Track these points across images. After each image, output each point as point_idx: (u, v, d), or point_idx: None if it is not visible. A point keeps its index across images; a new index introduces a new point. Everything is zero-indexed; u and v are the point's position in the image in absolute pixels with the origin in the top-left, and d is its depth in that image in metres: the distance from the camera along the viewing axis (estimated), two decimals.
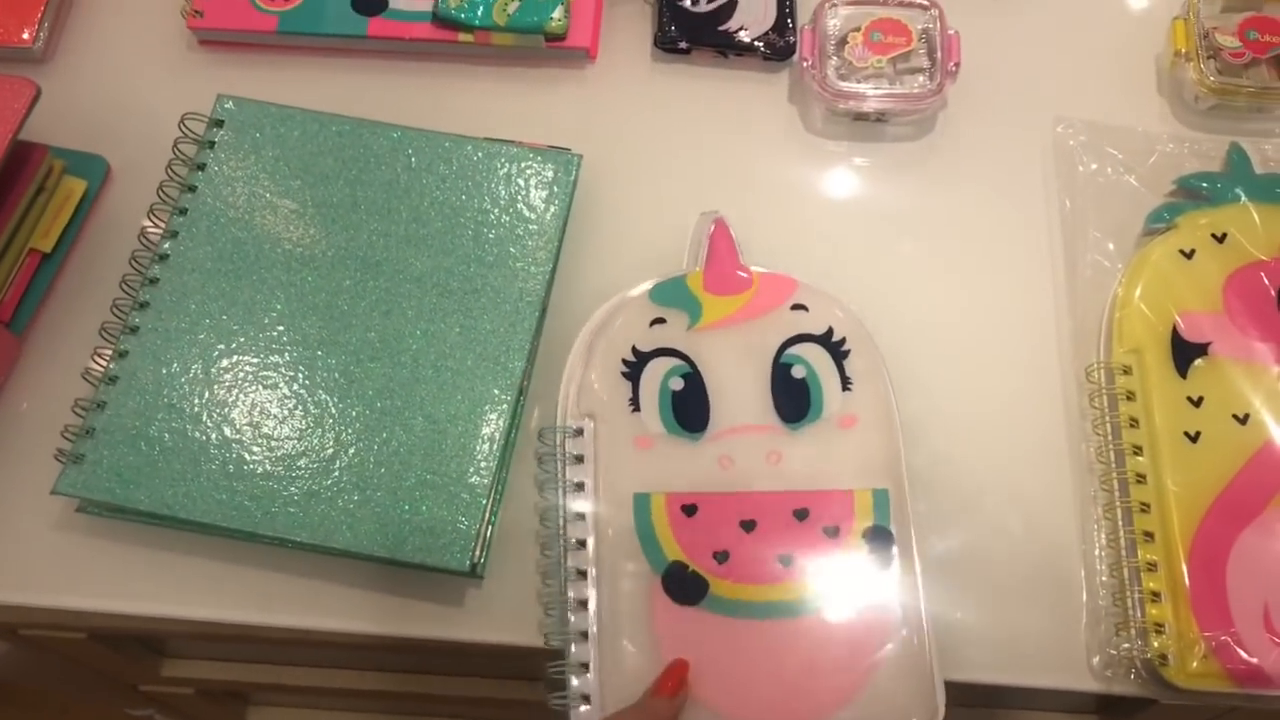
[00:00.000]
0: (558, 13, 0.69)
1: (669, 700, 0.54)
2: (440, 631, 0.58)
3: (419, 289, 0.61)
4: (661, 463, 0.59)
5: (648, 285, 0.64)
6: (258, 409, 0.58)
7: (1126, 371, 0.63)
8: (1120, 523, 0.60)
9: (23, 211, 0.64)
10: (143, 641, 0.78)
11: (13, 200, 0.64)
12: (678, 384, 0.61)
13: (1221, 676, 0.56)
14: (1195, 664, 0.56)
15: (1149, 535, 0.59)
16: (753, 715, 0.55)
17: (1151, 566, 0.58)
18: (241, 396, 0.59)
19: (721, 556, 0.58)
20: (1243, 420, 0.61)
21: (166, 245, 0.63)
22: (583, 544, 0.58)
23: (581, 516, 0.58)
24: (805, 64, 0.70)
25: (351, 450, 0.58)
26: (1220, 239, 0.66)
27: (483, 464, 0.57)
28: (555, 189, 0.64)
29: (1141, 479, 0.60)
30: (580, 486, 0.59)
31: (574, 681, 0.55)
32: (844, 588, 0.57)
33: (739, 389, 0.61)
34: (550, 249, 0.63)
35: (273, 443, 0.58)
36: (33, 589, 0.59)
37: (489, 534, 0.58)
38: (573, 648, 0.56)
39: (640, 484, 0.59)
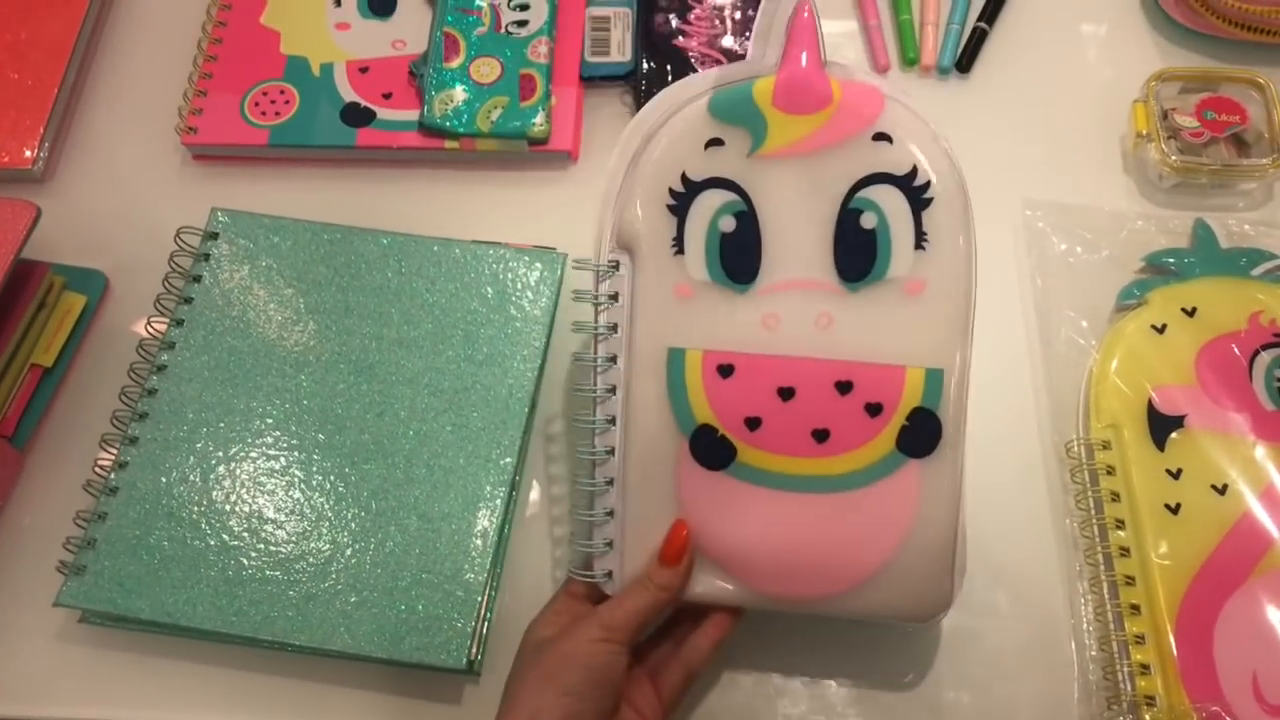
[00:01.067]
0: (539, 118, 0.72)
1: (672, 570, 0.53)
2: None
3: (411, 390, 0.63)
4: (701, 316, 0.54)
5: (708, 90, 0.55)
6: (255, 514, 0.60)
7: (1105, 446, 0.65)
8: (1106, 596, 0.61)
9: (24, 328, 0.66)
10: None
11: (15, 318, 0.66)
12: (729, 224, 0.54)
13: None
14: None
15: (1135, 608, 0.60)
16: (768, 584, 0.55)
17: (1139, 639, 0.59)
18: (239, 503, 0.60)
19: (754, 423, 0.54)
20: (1221, 490, 0.62)
21: (164, 356, 0.64)
22: (613, 390, 0.55)
23: (613, 360, 0.55)
24: None
25: (348, 552, 0.59)
26: (1190, 313, 0.68)
27: (477, 561, 0.58)
28: (542, 287, 0.66)
29: (1125, 552, 0.61)
30: (614, 328, 0.55)
31: (600, 530, 0.55)
32: (876, 470, 0.54)
33: (797, 236, 0.54)
34: (538, 345, 0.64)
35: (271, 547, 0.59)
36: (36, 700, 0.59)
37: (485, 631, 0.59)
38: (597, 499, 0.55)
39: (676, 337, 0.54)
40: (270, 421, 0.62)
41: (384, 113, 0.74)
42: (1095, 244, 0.72)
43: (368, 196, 0.74)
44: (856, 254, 0.54)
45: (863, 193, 0.54)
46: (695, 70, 0.75)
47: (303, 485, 0.61)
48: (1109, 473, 0.64)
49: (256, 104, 0.74)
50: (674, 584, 0.53)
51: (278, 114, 0.74)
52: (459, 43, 0.74)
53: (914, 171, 0.54)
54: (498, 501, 0.60)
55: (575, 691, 0.50)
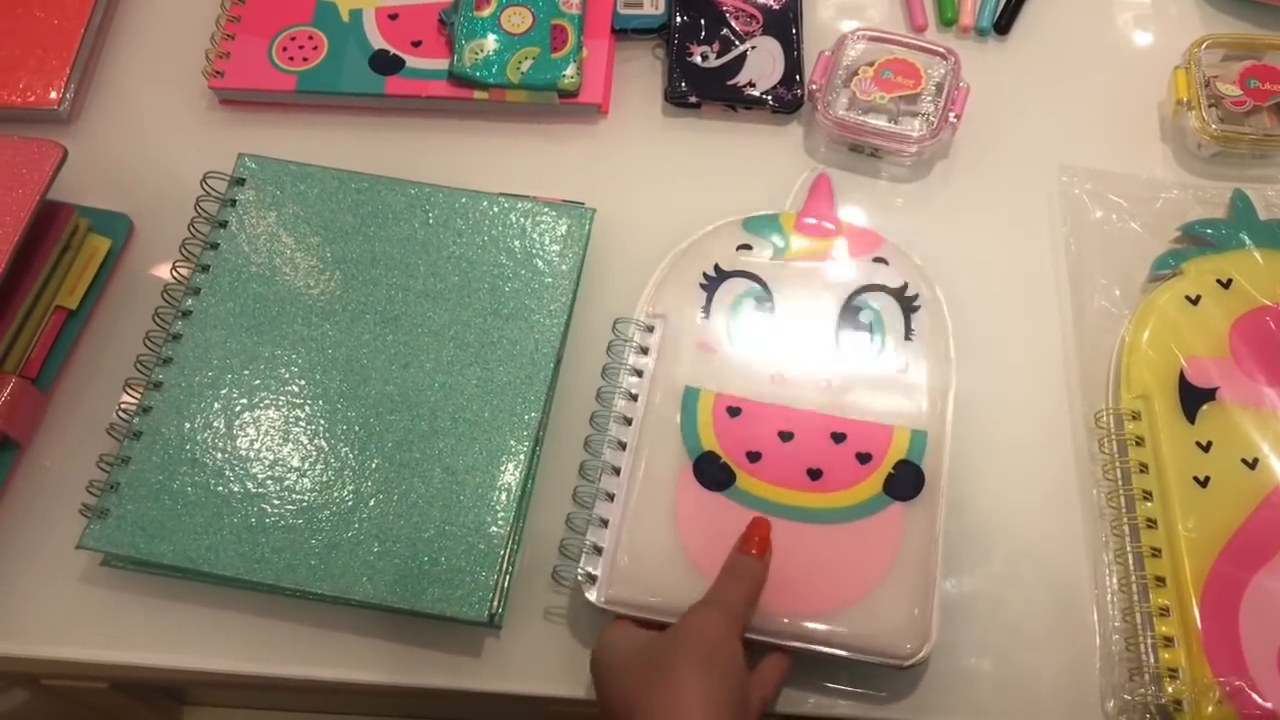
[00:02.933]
0: (570, 70, 0.71)
1: (758, 559, 0.55)
2: (459, 682, 0.58)
3: (437, 342, 0.63)
4: (718, 366, 0.63)
5: (742, 215, 0.68)
6: (279, 462, 0.59)
7: (1135, 417, 0.64)
8: (1132, 567, 0.60)
9: (49, 270, 0.66)
10: (164, 690, 0.78)
11: (40, 259, 0.65)
12: (750, 304, 0.65)
13: None
14: (1210, 709, 0.56)
15: (1160, 580, 0.59)
16: None
17: (1164, 611, 0.59)
18: (263, 450, 0.60)
19: (754, 456, 0.61)
20: (1252, 465, 0.62)
21: (189, 301, 0.64)
22: (628, 421, 0.61)
23: (633, 397, 0.62)
24: (813, 87, 0.71)
25: (371, 502, 0.59)
26: (1225, 284, 0.67)
27: (500, 515, 0.58)
28: (569, 242, 0.66)
29: (1152, 524, 0.61)
30: (639, 373, 0.63)
31: (594, 532, 0.58)
32: (863, 508, 0.60)
33: (806, 321, 0.65)
34: (565, 301, 0.64)
35: (294, 495, 0.59)
36: (58, 642, 0.60)
37: (506, 584, 0.59)
38: (597, 504, 0.59)
39: (694, 379, 0.63)
40: (295, 370, 0.62)
41: (413, 61, 0.73)
42: (1131, 212, 0.71)
43: (396, 146, 0.73)
44: (854, 338, 0.64)
45: (861, 297, 0.66)
46: (730, 26, 0.75)
47: (326, 434, 0.60)
48: (1138, 444, 0.63)
49: (284, 49, 0.74)
50: (764, 574, 0.55)
51: (306, 60, 0.73)
52: None
53: (905, 286, 0.66)
54: (521, 456, 0.60)
55: (733, 676, 0.50)
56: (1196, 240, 0.69)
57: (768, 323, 0.64)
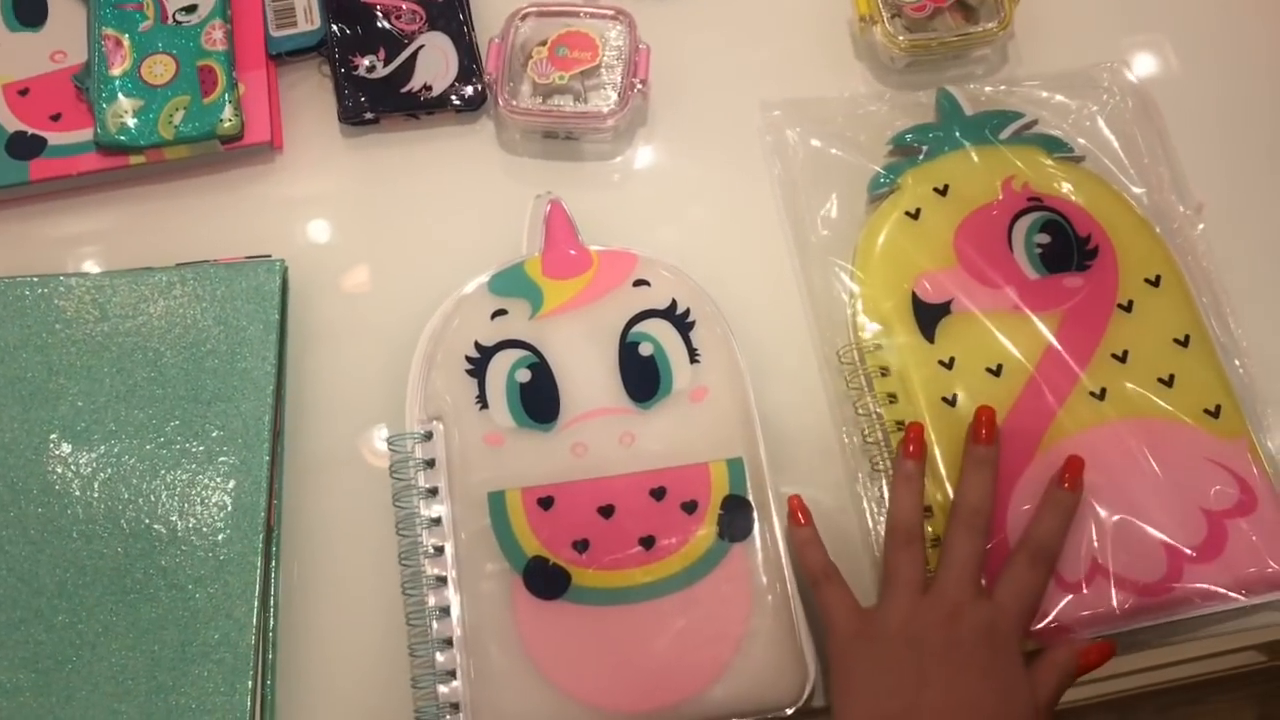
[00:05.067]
0: (227, 112, 0.65)
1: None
2: None
3: (137, 447, 0.58)
4: (514, 458, 0.59)
5: (485, 277, 0.62)
6: None
7: (877, 347, 0.63)
8: None
9: None
10: None
11: None
12: (525, 375, 0.60)
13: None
14: None
15: (928, 510, 0.59)
16: (626, 702, 0.55)
17: (936, 542, 0.58)
18: None
19: (581, 546, 0.58)
20: (996, 372, 0.61)
21: None
22: (440, 550, 0.57)
23: (438, 521, 0.57)
24: (489, 78, 0.67)
25: (98, 642, 0.54)
26: (943, 191, 0.66)
27: (241, 619, 0.55)
28: (261, 302, 0.61)
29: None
30: (434, 491, 0.58)
31: (442, 690, 0.55)
32: (706, 562, 0.57)
33: (588, 374, 0.61)
34: (269, 370, 0.60)
35: (10, 657, 0.54)
36: None
37: (268, 690, 0.55)
38: (438, 656, 0.55)
39: (494, 482, 0.58)
40: None
41: (55, 137, 0.66)
42: (840, 136, 0.69)
43: (56, 234, 0.66)
44: (642, 378, 0.61)
45: (636, 328, 0.62)
46: (392, 28, 0.70)
47: (32, 579, 0.55)
48: (883, 374, 0.62)
49: None
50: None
51: None
52: (122, 44, 0.66)
53: (674, 304, 0.62)
54: (255, 549, 0.56)
55: None
56: (907, 151, 0.68)
57: (548, 391, 0.60)
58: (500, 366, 0.61)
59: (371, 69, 0.69)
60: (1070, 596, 0.57)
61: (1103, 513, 0.58)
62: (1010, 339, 0.62)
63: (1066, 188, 0.66)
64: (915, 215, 0.65)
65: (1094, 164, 0.68)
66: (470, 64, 0.69)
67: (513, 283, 0.63)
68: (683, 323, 0.62)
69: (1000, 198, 0.66)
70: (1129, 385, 0.61)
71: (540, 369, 0.61)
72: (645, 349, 0.61)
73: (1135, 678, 0.97)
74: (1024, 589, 0.55)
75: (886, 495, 0.59)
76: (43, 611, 0.55)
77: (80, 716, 0.53)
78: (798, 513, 0.58)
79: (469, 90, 0.69)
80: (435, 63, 0.69)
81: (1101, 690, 0.96)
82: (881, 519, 0.60)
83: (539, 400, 0.60)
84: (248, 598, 0.55)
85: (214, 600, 0.55)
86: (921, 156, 0.67)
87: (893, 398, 0.62)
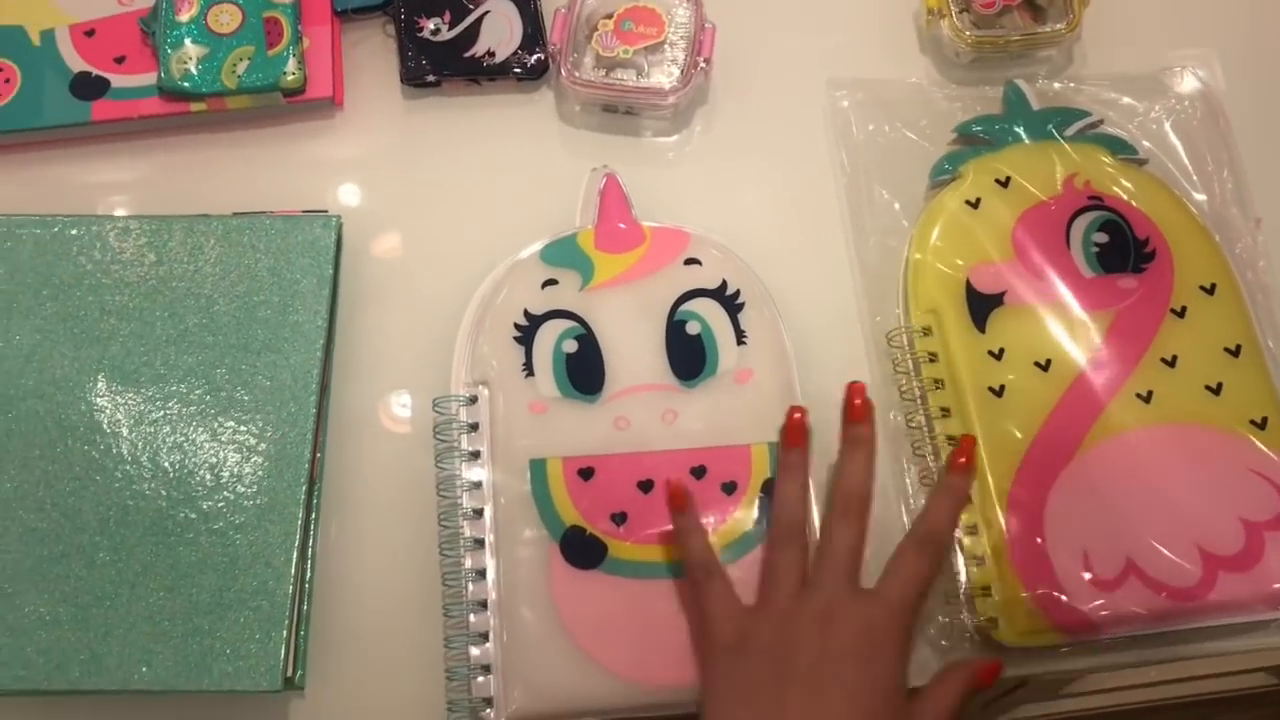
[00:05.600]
0: (291, 65, 0.66)
1: (963, 476, 0.56)
2: None
3: (185, 392, 0.58)
4: (556, 427, 0.59)
5: (538, 246, 0.62)
6: (30, 557, 0.55)
7: (927, 332, 0.63)
8: None
9: None
10: None
11: None
12: (571, 346, 0.60)
13: (1050, 631, 0.56)
14: (1023, 622, 0.56)
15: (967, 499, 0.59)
16: (655, 675, 0.55)
17: (972, 530, 0.58)
18: (10, 546, 0.55)
19: (619, 518, 0.57)
20: (1045, 367, 0.61)
21: None
22: (479, 513, 0.57)
23: (478, 485, 0.57)
24: (553, 49, 0.67)
25: (138, 581, 0.54)
26: (1004, 183, 0.65)
27: (280, 569, 0.55)
28: (315, 258, 0.61)
29: (953, 441, 0.60)
30: (475, 455, 0.58)
31: (474, 651, 0.55)
32: (742, 543, 0.57)
33: (634, 348, 0.60)
34: (319, 324, 0.60)
35: (51, 590, 0.54)
36: None
37: (301, 642, 0.56)
38: (471, 618, 0.55)
39: (535, 450, 0.58)
40: (33, 449, 0.57)
41: (119, 79, 0.66)
42: (905, 119, 0.68)
43: (115, 175, 0.67)
44: (688, 356, 0.61)
45: (685, 306, 0.61)
46: None
47: (75, 515, 0.56)
48: (931, 360, 0.62)
49: None
50: (967, 489, 0.56)
51: None
52: None
53: (724, 284, 0.62)
54: (296, 500, 0.56)
55: None
56: (972, 141, 0.68)
57: (594, 363, 0.60)
58: (548, 336, 0.61)
59: (436, 31, 0.68)
60: (1103, 595, 0.56)
61: (1141, 514, 0.58)
62: (1061, 335, 0.62)
63: (1127, 189, 0.65)
64: (975, 205, 0.65)
65: (1157, 168, 0.67)
66: (534, 33, 0.69)
67: (564, 253, 0.63)
68: (732, 303, 0.62)
69: (1061, 194, 0.65)
70: (1176, 390, 0.61)
71: (587, 341, 0.60)
72: (693, 328, 0.61)
73: (1143, 691, 0.97)
74: (910, 579, 0.53)
75: (923, 480, 0.60)
76: (84, 548, 0.55)
77: (116, 654, 0.53)
78: (679, 497, 0.56)
79: (531, 59, 0.68)
80: (500, 29, 0.69)
81: (1113, 702, 0.96)
82: (916, 501, 0.60)
83: (584, 372, 0.60)
84: (287, 547, 0.55)
85: (254, 548, 0.55)
86: (985, 147, 0.67)
87: (939, 384, 0.61)
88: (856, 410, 0.57)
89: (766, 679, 0.50)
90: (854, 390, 0.57)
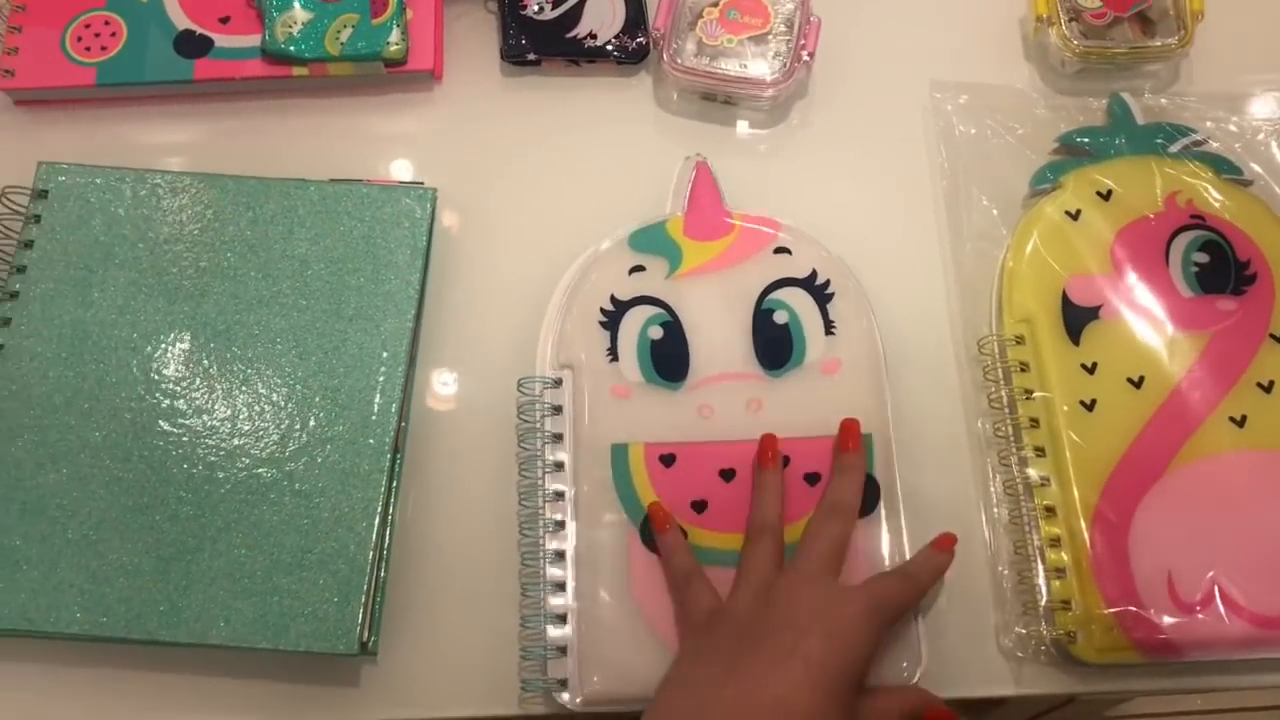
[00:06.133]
0: (395, 36, 0.66)
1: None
2: (339, 716, 0.55)
3: (275, 354, 0.58)
4: (638, 412, 0.59)
5: (626, 232, 0.62)
6: (115, 506, 0.55)
7: (1019, 341, 0.62)
8: (1021, 498, 0.59)
9: None
10: None
11: None
12: (657, 333, 0.60)
13: (1129, 649, 0.56)
14: (1102, 638, 0.55)
15: (1050, 510, 0.58)
16: None
17: (1054, 542, 0.57)
18: (96, 491, 0.55)
19: (700, 506, 0.57)
20: (1138, 384, 0.60)
21: (1, 333, 0.58)
22: (560, 495, 0.57)
23: (560, 466, 0.58)
24: (656, 34, 0.67)
25: (219, 537, 0.55)
26: (1105, 196, 0.64)
27: (361, 535, 0.55)
28: (410, 229, 0.61)
29: (1040, 452, 0.59)
30: (558, 437, 0.58)
31: (551, 632, 0.55)
32: None
33: (720, 336, 0.60)
34: (411, 294, 0.60)
35: (136, 536, 0.54)
36: None
37: (377, 607, 0.55)
38: (551, 599, 0.55)
39: (617, 434, 0.58)
40: (123, 400, 0.57)
41: (222, 39, 0.67)
42: (1007, 125, 0.68)
43: (212, 136, 0.67)
44: (775, 346, 0.60)
45: (773, 295, 0.61)
46: None
47: (160, 468, 0.56)
48: (1023, 370, 0.61)
49: (79, 39, 0.67)
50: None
51: (104, 48, 0.67)
52: None
53: (814, 274, 0.61)
54: (380, 469, 0.56)
55: None
56: (1074, 151, 0.67)
57: (679, 350, 0.60)
58: (634, 322, 0.60)
59: (539, 10, 0.68)
60: (1185, 617, 0.55)
61: (1229, 538, 0.57)
62: (1155, 353, 0.61)
63: (1230, 210, 0.64)
64: (1075, 216, 0.64)
65: (1262, 190, 0.66)
66: (636, 17, 0.69)
67: (653, 240, 0.62)
68: (822, 293, 0.61)
69: (1162, 210, 0.64)
70: (1271, 416, 0.60)
71: (673, 328, 0.60)
72: (780, 317, 0.61)
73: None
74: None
75: (1008, 489, 0.59)
76: (169, 501, 0.55)
77: (195, 607, 0.53)
78: (660, 518, 0.56)
79: (632, 43, 0.68)
80: (602, 12, 0.69)
81: None
82: (999, 510, 0.59)
83: (669, 358, 0.60)
84: (369, 514, 0.55)
85: (336, 512, 0.55)
86: (1087, 159, 0.66)
87: (1029, 393, 0.61)
88: (849, 443, 0.57)
89: (730, 645, 0.50)
90: (847, 426, 0.57)
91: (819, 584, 0.52)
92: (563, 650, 0.55)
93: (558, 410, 0.59)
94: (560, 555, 0.56)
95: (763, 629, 0.50)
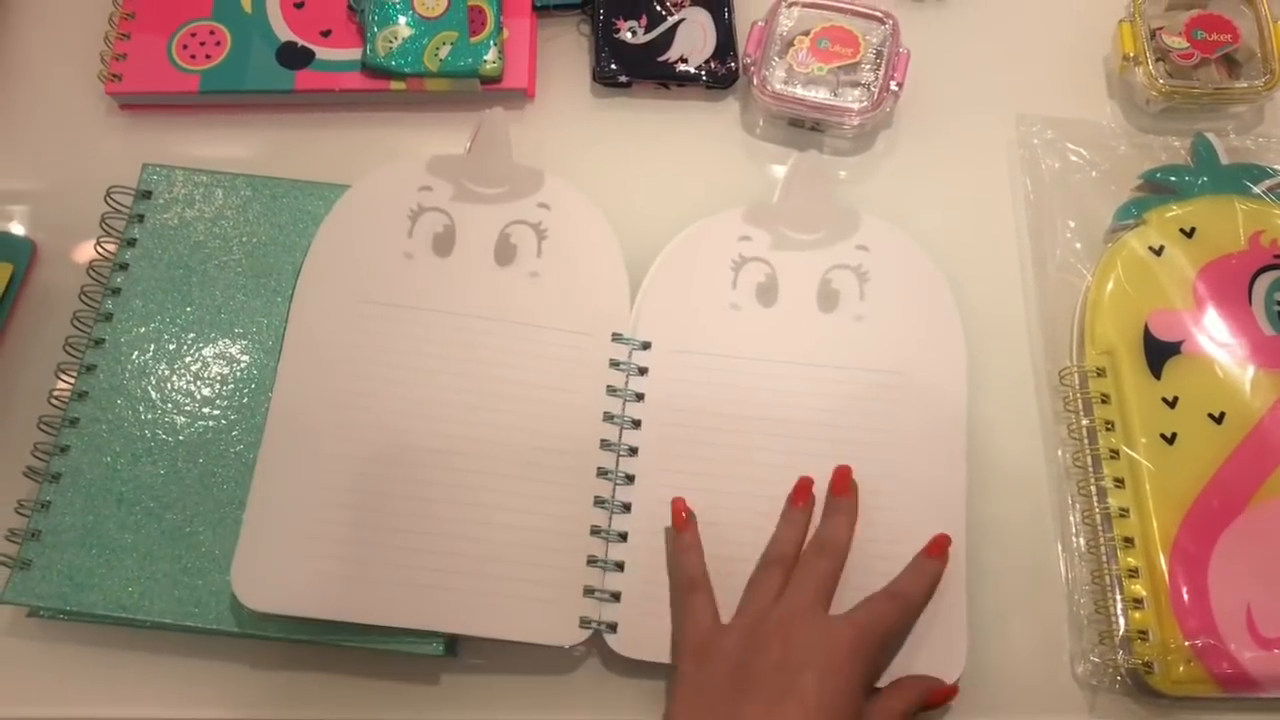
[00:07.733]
0: (491, 54, 0.67)
1: (940, 559, 0.56)
2: (419, 713, 0.56)
3: None
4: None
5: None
6: (210, 497, 0.56)
7: (1100, 374, 0.62)
8: (1100, 529, 0.59)
9: None
10: None
11: None
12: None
13: (1207, 681, 0.55)
14: (1180, 670, 0.55)
15: (1129, 541, 0.58)
16: None
17: (1133, 573, 0.58)
18: (191, 486, 0.56)
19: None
20: (1219, 419, 0.60)
21: (102, 328, 0.60)
22: (634, 451, 0.59)
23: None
24: (747, 60, 0.68)
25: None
26: (1189, 233, 0.65)
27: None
28: None
29: (1120, 483, 0.59)
30: (640, 397, 0.60)
31: (608, 581, 0.57)
32: None
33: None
34: None
35: (228, 535, 0.55)
36: None
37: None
38: (610, 546, 0.57)
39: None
40: (214, 393, 0.58)
41: (323, 52, 0.69)
42: (1092, 161, 0.68)
43: (310, 144, 0.69)
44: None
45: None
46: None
47: (251, 457, 0.57)
48: (1103, 401, 0.61)
49: (185, 46, 0.69)
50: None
51: (208, 57, 0.69)
52: None
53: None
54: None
55: None
56: (1158, 188, 0.67)
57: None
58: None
59: (632, 34, 0.70)
60: (1264, 652, 0.56)
61: None
62: (1237, 390, 0.61)
63: None
64: (1158, 252, 0.64)
65: None
66: (726, 43, 0.70)
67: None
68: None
69: (1246, 249, 0.64)
70: None
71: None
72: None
73: None
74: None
75: (1086, 519, 0.59)
76: None
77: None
78: (681, 515, 0.57)
79: (722, 68, 0.69)
80: (694, 37, 0.70)
81: None
82: (1078, 539, 0.60)
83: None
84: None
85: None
86: (1170, 196, 0.66)
87: (1110, 425, 0.61)
88: (841, 487, 0.58)
89: (725, 688, 0.50)
90: (839, 472, 0.58)
91: (809, 619, 0.52)
92: (616, 597, 0.56)
93: (642, 373, 0.60)
94: (627, 508, 0.57)
95: (755, 671, 0.50)
